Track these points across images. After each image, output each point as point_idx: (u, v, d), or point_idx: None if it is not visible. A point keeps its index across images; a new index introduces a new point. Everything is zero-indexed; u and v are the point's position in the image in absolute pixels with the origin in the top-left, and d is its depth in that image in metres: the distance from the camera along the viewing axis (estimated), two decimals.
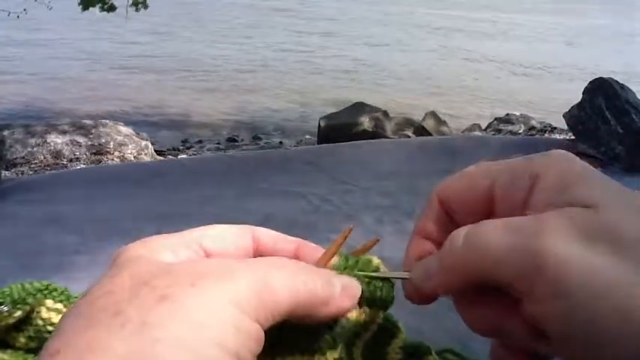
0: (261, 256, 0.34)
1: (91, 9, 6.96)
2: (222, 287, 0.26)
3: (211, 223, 0.34)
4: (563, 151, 0.31)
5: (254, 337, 0.26)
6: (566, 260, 0.26)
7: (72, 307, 0.27)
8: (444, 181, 0.34)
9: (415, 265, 0.33)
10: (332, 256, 0.34)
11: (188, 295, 0.25)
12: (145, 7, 7.20)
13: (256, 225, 0.35)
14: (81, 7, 6.74)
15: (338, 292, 0.31)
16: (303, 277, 0.29)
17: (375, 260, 0.34)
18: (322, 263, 0.34)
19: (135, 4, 7.06)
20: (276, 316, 0.27)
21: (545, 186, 0.30)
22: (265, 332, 0.27)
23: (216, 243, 0.32)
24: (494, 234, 0.29)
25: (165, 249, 0.30)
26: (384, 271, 0.34)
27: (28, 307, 0.37)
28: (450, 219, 0.34)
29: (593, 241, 0.26)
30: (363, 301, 0.33)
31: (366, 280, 0.34)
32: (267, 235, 0.35)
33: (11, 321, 0.36)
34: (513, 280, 0.27)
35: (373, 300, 0.34)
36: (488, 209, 0.32)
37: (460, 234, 0.30)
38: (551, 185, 0.29)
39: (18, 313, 0.36)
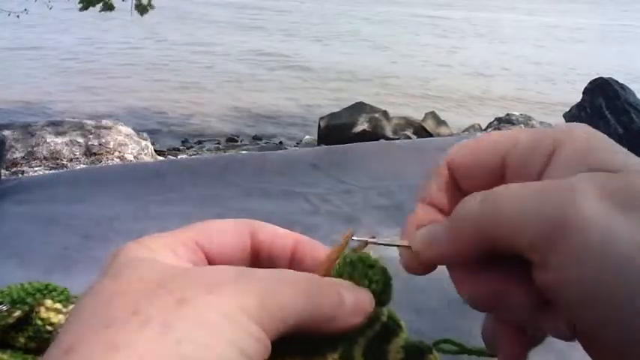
0: (258, 252, 0.34)
1: (90, 9, 6.93)
2: (235, 296, 0.26)
3: None
4: (585, 125, 0.30)
5: (263, 343, 0.26)
6: (595, 224, 0.25)
7: (79, 304, 0.27)
8: (454, 147, 0.33)
9: (416, 233, 0.32)
10: (333, 263, 0.34)
11: (205, 300, 0.25)
12: (146, 11, 7.18)
13: None
14: (80, 6, 6.71)
15: (348, 309, 0.30)
16: (312, 294, 0.29)
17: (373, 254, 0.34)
18: (324, 268, 0.33)
19: (138, 8, 7.03)
20: (281, 329, 0.27)
21: (567, 152, 0.28)
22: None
23: (214, 241, 0.32)
24: (515, 196, 0.27)
25: (164, 248, 0.30)
26: (388, 239, 0.33)
27: (27, 307, 0.37)
28: (459, 188, 0.32)
29: (622, 206, 0.25)
30: None
31: (365, 275, 0.33)
32: (265, 231, 0.35)
33: (10, 321, 0.36)
34: (532, 244, 0.26)
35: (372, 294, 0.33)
36: (499, 179, 0.30)
37: (476, 198, 0.29)
38: (573, 151, 0.28)
39: (17, 313, 0.36)
